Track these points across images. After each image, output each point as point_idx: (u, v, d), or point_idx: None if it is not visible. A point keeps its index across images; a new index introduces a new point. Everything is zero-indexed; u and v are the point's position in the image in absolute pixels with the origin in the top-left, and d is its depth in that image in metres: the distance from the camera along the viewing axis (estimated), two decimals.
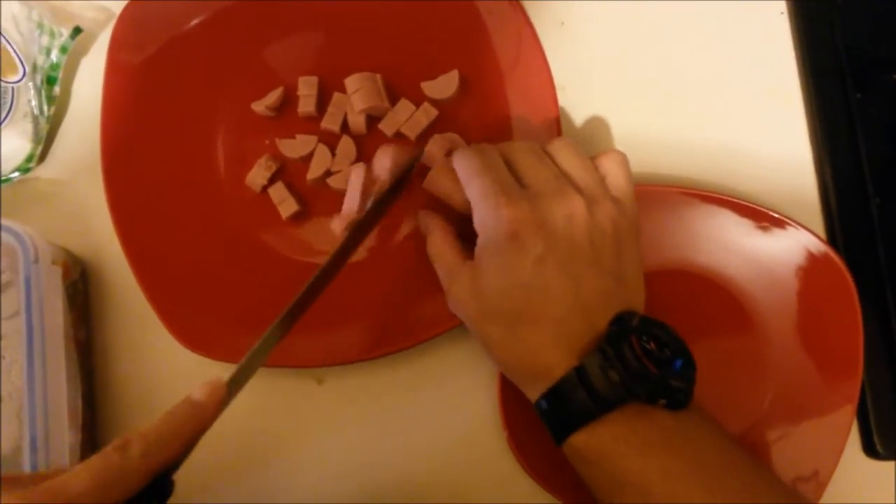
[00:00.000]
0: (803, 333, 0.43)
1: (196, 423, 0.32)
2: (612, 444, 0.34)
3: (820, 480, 0.41)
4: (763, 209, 0.43)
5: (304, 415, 0.45)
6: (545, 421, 0.36)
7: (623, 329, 0.34)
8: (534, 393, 0.36)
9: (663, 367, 0.33)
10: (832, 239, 0.45)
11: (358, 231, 0.40)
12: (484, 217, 0.37)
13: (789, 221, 0.43)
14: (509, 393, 0.42)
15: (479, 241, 0.37)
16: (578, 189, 0.37)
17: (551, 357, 0.35)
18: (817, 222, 0.46)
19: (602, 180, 0.38)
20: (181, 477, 0.45)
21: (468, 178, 0.38)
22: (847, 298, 0.42)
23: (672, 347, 0.34)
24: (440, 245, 0.40)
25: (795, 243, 0.43)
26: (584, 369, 0.33)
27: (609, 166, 0.39)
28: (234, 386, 0.34)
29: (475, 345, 0.45)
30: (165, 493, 0.31)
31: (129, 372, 0.46)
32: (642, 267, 0.38)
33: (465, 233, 0.40)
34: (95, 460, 0.28)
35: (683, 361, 0.34)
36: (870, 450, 0.44)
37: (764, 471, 0.35)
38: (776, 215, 0.43)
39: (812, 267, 0.43)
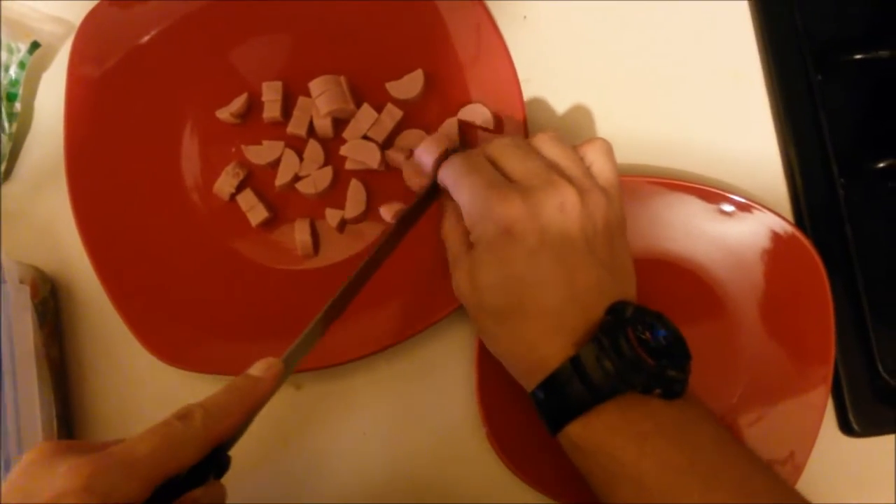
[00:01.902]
0: (775, 316, 0.43)
1: (254, 396, 0.33)
2: (607, 435, 0.33)
3: (796, 463, 0.41)
4: (729, 194, 0.43)
5: (283, 420, 0.45)
6: (541, 411, 0.36)
7: (618, 319, 0.34)
8: (529, 383, 0.36)
9: (658, 357, 0.33)
10: (799, 220, 0.45)
11: (405, 219, 0.41)
12: (475, 215, 0.37)
13: (755, 205, 0.43)
14: (488, 389, 0.42)
15: (472, 237, 0.37)
16: (568, 179, 0.37)
17: (547, 349, 0.35)
18: (784, 205, 0.46)
19: (588, 170, 0.38)
20: None
21: (455, 181, 0.38)
22: (816, 279, 0.42)
23: (667, 337, 0.34)
24: (449, 230, 0.40)
25: (763, 227, 0.43)
26: (579, 360, 0.33)
27: (594, 156, 0.39)
28: (288, 364, 0.35)
29: (451, 343, 0.45)
30: (223, 466, 0.32)
31: (105, 387, 0.45)
32: (632, 256, 0.38)
33: None
34: (159, 428, 0.29)
35: (678, 350, 0.34)
36: (846, 428, 0.44)
37: (760, 464, 0.35)
38: (742, 199, 0.43)
39: (780, 249, 0.43)
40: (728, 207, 0.43)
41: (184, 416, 0.30)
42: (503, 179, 0.37)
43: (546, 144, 0.39)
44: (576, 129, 0.47)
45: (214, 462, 0.31)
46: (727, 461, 0.34)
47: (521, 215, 0.35)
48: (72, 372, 0.46)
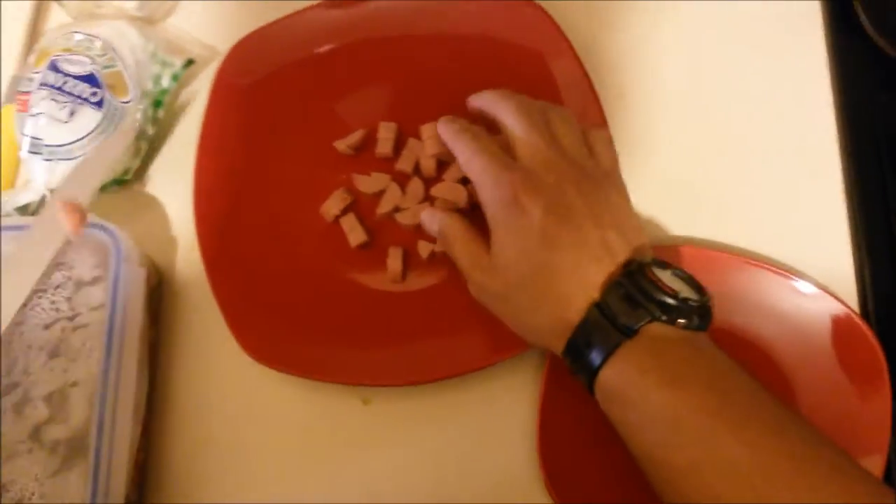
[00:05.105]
0: (833, 399, 0.44)
1: None
2: (640, 378, 0.35)
3: None
4: (800, 278, 0.45)
5: (346, 433, 0.47)
6: (575, 369, 0.38)
7: (637, 266, 0.37)
8: (563, 340, 0.38)
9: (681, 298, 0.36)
10: (864, 309, 0.47)
11: None
12: (487, 190, 0.40)
13: (824, 291, 0.45)
14: (548, 433, 0.43)
15: (489, 217, 0.40)
16: (570, 160, 0.40)
17: (576, 302, 0.37)
18: (850, 291, 0.48)
19: (588, 152, 0.42)
20: (219, 486, 0.46)
21: (468, 158, 0.42)
22: (877, 370, 0.44)
23: (683, 276, 0.38)
24: (462, 234, 0.43)
25: (829, 312, 0.45)
26: (605, 302, 0.37)
27: (596, 145, 0.42)
28: None
29: (519, 380, 0.46)
30: None
31: (188, 378, 0.48)
32: (645, 234, 0.40)
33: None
34: None
35: (694, 286, 0.38)
36: None
37: (792, 413, 0.35)
38: (812, 285, 0.45)
39: (844, 337, 0.44)
40: (797, 290, 0.45)
41: None
42: (509, 159, 0.41)
43: (556, 117, 0.42)
44: (667, 200, 0.50)
45: None
46: (759, 407, 0.35)
47: (525, 184, 0.39)
48: (161, 359, 0.49)
